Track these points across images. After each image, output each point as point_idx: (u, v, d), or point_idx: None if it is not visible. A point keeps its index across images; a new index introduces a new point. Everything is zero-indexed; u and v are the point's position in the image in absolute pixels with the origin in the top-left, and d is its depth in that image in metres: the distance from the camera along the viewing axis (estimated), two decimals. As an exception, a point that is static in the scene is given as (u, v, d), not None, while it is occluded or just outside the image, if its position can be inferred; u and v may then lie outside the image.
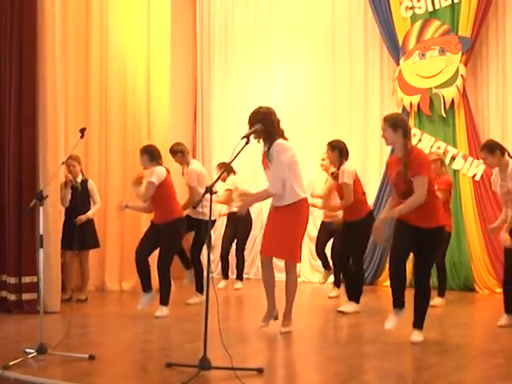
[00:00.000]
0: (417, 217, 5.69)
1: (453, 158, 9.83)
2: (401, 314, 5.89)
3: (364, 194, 7.87)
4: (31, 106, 7.42)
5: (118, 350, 5.73)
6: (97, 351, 5.25)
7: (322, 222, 9.34)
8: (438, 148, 9.91)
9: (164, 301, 7.31)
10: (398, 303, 5.86)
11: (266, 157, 6.18)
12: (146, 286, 7.36)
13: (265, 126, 5.91)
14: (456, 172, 9.81)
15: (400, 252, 5.79)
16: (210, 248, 4.78)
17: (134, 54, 9.91)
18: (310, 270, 11.15)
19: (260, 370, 4.72)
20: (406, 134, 5.86)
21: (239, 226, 9.91)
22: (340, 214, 8.21)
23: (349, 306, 7.57)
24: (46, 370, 4.86)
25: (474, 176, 9.68)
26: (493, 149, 6.50)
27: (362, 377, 4.77)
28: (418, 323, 5.82)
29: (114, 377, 4.74)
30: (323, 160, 8.85)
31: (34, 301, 7.18)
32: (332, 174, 8.10)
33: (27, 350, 5.13)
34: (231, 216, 9.95)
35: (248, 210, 9.51)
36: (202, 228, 8.12)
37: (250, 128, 5.91)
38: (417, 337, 5.76)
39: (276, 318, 6.41)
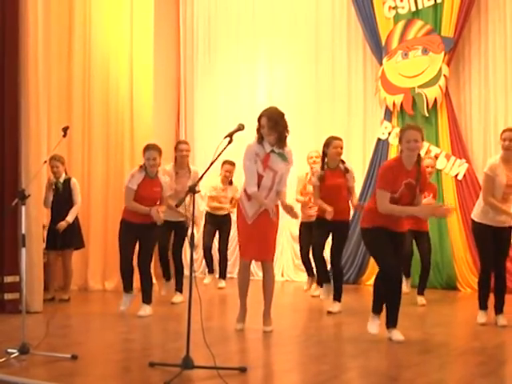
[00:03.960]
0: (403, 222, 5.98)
1: (435, 157, 9.87)
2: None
3: None
4: (14, 106, 7.37)
5: (101, 349, 5.71)
6: (79, 351, 5.23)
7: (303, 224, 9.16)
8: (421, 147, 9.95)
9: (147, 300, 7.30)
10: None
11: (279, 157, 6.19)
12: (129, 287, 7.35)
13: (283, 129, 6.12)
14: (439, 171, 9.86)
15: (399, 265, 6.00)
16: (192, 247, 4.76)
17: (117, 54, 9.87)
18: (294, 269, 11.18)
19: (243, 370, 4.73)
20: None
21: (222, 224, 9.89)
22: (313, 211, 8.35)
23: (336, 306, 7.57)
24: (29, 370, 4.84)
25: (456, 175, 9.74)
26: None
27: (345, 375, 4.79)
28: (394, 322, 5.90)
29: (97, 377, 4.73)
30: (317, 158, 8.73)
31: (17, 300, 7.13)
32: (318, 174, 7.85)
33: (9, 350, 5.10)
34: (212, 215, 9.92)
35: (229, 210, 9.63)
36: (182, 229, 8.18)
37: (267, 126, 6.07)
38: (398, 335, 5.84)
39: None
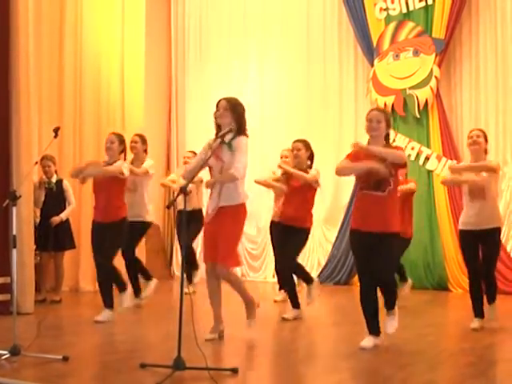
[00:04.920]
0: None
1: (427, 159, 9.91)
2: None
3: None
4: (4, 106, 7.35)
5: (92, 351, 5.70)
6: (71, 352, 5.22)
7: (273, 223, 8.27)
8: (412, 149, 9.98)
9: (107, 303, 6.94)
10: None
11: (228, 147, 5.73)
12: (122, 286, 7.28)
13: (240, 118, 5.84)
14: (430, 172, 9.90)
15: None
16: (185, 248, 4.76)
17: (108, 53, 9.87)
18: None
19: (234, 370, 4.72)
20: None
21: (191, 224, 9.27)
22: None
23: (292, 313, 7.20)
24: (20, 371, 4.82)
25: (447, 176, 9.76)
26: None
27: (336, 376, 4.79)
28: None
29: (88, 378, 4.72)
30: (286, 158, 8.07)
31: (7, 302, 7.10)
32: (283, 174, 7.47)
33: (0, 352, 5.08)
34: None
35: (200, 210, 8.82)
36: (138, 230, 7.84)
37: (223, 107, 5.84)
38: (391, 326, 5.73)
39: (221, 334, 5.96)
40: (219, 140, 5.36)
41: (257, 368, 5.20)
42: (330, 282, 10.54)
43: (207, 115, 12.16)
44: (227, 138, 5.70)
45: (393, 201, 5.48)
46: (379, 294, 5.59)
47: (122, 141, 7.13)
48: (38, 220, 8.33)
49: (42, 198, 8.37)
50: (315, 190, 7.32)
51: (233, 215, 5.75)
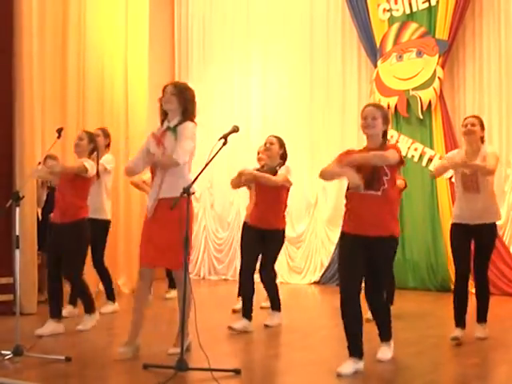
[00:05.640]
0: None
1: (430, 160, 9.90)
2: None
3: None
4: (8, 106, 7.37)
5: (95, 351, 5.70)
6: (73, 353, 5.22)
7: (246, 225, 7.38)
8: (416, 150, 9.97)
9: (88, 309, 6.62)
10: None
11: (172, 132, 5.37)
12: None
13: (187, 104, 5.40)
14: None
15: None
16: (186, 249, 4.75)
17: (111, 54, 9.87)
18: (288, 271, 11.16)
19: (237, 371, 4.73)
20: None
21: None
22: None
23: (275, 319, 6.89)
24: (22, 372, 4.83)
25: (450, 177, 9.72)
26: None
27: (339, 378, 4.78)
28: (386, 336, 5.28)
29: (91, 379, 4.72)
30: (262, 153, 7.42)
31: (10, 302, 7.12)
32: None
33: (3, 352, 5.09)
34: None
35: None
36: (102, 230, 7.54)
37: (170, 92, 5.39)
38: (385, 354, 5.25)
39: (137, 350, 5.37)
40: (222, 140, 5.21)
41: (259, 369, 5.20)
42: (333, 283, 10.52)
43: (210, 115, 12.23)
44: (172, 123, 5.40)
45: (389, 200, 4.95)
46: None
47: (92, 139, 6.74)
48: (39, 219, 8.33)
49: (44, 198, 8.37)
50: (287, 189, 6.93)
51: (175, 208, 4.99)
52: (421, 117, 10.00)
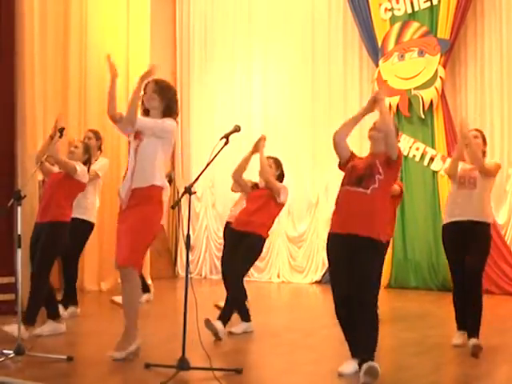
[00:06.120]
0: None
1: (431, 159, 9.90)
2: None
3: None
4: (9, 106, 7.37)
5: (96, 350, 5.70)
6: (75, 352, 5.23)
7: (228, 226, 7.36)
8: (417, 149, 9.97)
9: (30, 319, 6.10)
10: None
11: None
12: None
13: (169, 101, 5.31)
14: (434, 173, 9.88)
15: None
16: (188, 248, 4.75)
17: (113, 53, 9.79)
18: (289, 270, 11.17)
19: (239, 371, 4.72)
20: None
21: None
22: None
23: (240, 327, 6.52)
24: (24, 371, 4.83)
25: (452, 177, 9.73)
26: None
27: (341, 378, 4.78)
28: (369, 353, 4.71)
29: (92, 378, 4.72)
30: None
31: (12, 301, 7.11)
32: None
33: (5, 351, 5.09)
34: None
35: None
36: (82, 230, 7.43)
37: (152, 89, 5.31)
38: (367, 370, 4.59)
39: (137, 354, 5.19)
40: (224, 140, 5.17)
41: (260, 368, 5.20)
42: (335, 283, 10.52)
43: (212, 115, 12.24)
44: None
45: (378, 202, 4.77)
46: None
47: (87, 149, 6.76)
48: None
49: (44, 196, 8.35)
50: (278, 205, 6.69)
51: (144, 199, 4.99)
52: (422, 116, 10.00)
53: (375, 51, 10.50)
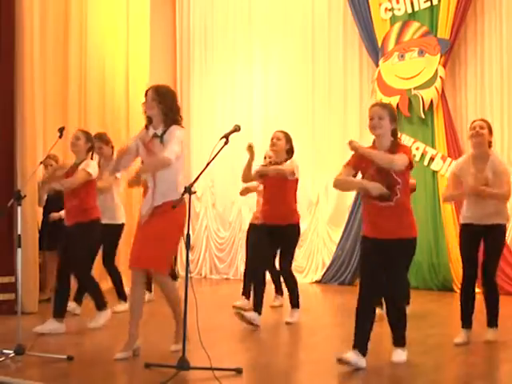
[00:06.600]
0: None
1: (431, 159, 9.89)
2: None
3: None
4: (9, 106, 7.37)
5: (97, 350, 5.70)
6: (75, 352, 5.22)
7: (254, 226, 7.78)
8: (417, 149, 9.96)
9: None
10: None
11: (159, 139, 5.31)
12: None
13: (169, 108, 5.32)
14: (435, 173, 9.87)
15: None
16: (188, 248, 4.75)
17: (113, 54, 9.88)
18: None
19: (239, 371, 4.72)
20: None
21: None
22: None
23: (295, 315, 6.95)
24: (24, 371, 4.83)
25: (452, 177, 9.72)
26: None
27: (341, 377, 4.78)
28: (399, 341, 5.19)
29: (93, 378, 4.72)
30: (270, 158, 7.38)
31: (12, 301, 7.12)
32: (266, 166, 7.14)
33: (5, 351, 5.09)
34: None
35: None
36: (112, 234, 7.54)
37: (151, 98, 5.28)
38: (399, 356, 5.14)
39: (137, 352, 5.31)
40: (224, 139, 5.17)
41: (260, 368, 5.19)
42: (335, 282, 10.53)
43: (212, 116, 12.24)
44: (159, 130, 5.32)
45: (403, 206, 5.07)
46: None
47: (89, 138, 6.69)
48: (40, 219, 8.33)
49: (45, 197, 8.37)
50: (294, 181, 6.97)
51: (168, 212, 5.06)
52: (422, 116, 9.99)
53: (375, 51, 10.49)
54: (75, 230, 6.44)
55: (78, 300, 7.47)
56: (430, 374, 4.84)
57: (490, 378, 4.79)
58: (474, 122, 6.02)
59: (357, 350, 4.91)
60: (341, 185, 5.23)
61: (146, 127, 5.39)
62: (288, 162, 6.92)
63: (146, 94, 5.38)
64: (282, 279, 7.44)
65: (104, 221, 6.94)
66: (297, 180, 6.98)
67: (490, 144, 5.97)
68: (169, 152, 5.12)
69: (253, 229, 7.81)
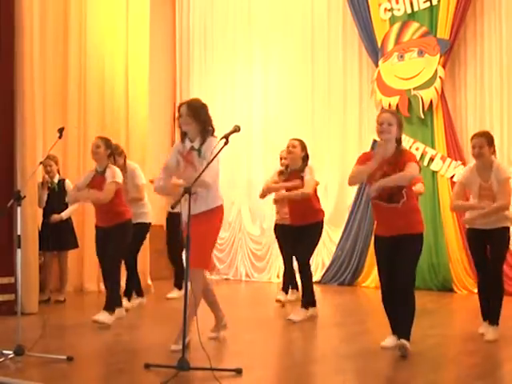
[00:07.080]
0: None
1: (431, 159, 9.89)
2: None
3: None
4: (9, 106, 7.36)
5: (96, 351, 5.70)
6: (75, 352, 5.22)
7: (278, 226, 8.44)
8: (417, 149, 9.96)
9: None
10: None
11: (197, 152, 5.50)
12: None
13: (203, 122, 5.54)
14: (434, 173, 9.88)
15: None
16: (188, 248, 4.75)
17: (113, 54, 9.87)
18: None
19: (238, 371, 4.72)
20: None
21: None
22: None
23: (302, 313, 7.06)
24: (24, 371, 4.83)
25: (452, 177, 9.73)
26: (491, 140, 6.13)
27: (340, 377, 4.78)
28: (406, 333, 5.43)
29: (92, 378, 4.72)
30: (285, 159, 7.76)
31: (12, 302, 7.11)
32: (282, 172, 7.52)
33: (4, 352, 5.09)
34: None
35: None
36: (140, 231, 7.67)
37: (186, 113, 5.48)
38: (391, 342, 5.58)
39: (225, 327, 5.98)
40: (224, 140, 5.18)
41: (261, 368, 5.19)
42: (335, 283, 10.54)
43: (212, 114, 12.18)
44: (196, 143, 5.51)
45: (409, 206, 5.42)
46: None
47: (108, 145, 6.85)
48: (40, 220, 8.33)
49: (45, 198, 8.37)
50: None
51: (209, 218, 5.48)
52: (422, 116, 10.00)
53: (375, 51, 10.50)
54: (115, 230, 6.74)
55: (128, 296, 7.75)
56: (429, 375, 4.84)
57: (489, 378, 4.79)
58: (473, 138, 6.12)
59: (394, 335, 5.53)
60: (354, 177, 5.60)
61: (182, 140, 5.61)
62: (306, 172, 7.13)
63: (179, 110, 5.59)
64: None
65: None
66: (316, 184, 7.35)
67: (494, 153, 6.17)
68: (209, 176, 5.26)
69: (281, 230, 8.23)
